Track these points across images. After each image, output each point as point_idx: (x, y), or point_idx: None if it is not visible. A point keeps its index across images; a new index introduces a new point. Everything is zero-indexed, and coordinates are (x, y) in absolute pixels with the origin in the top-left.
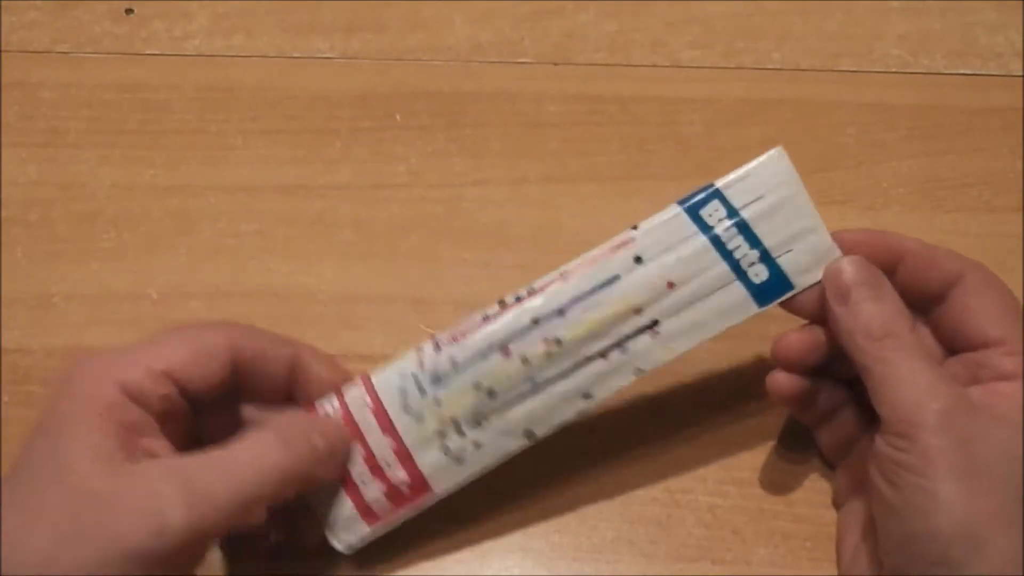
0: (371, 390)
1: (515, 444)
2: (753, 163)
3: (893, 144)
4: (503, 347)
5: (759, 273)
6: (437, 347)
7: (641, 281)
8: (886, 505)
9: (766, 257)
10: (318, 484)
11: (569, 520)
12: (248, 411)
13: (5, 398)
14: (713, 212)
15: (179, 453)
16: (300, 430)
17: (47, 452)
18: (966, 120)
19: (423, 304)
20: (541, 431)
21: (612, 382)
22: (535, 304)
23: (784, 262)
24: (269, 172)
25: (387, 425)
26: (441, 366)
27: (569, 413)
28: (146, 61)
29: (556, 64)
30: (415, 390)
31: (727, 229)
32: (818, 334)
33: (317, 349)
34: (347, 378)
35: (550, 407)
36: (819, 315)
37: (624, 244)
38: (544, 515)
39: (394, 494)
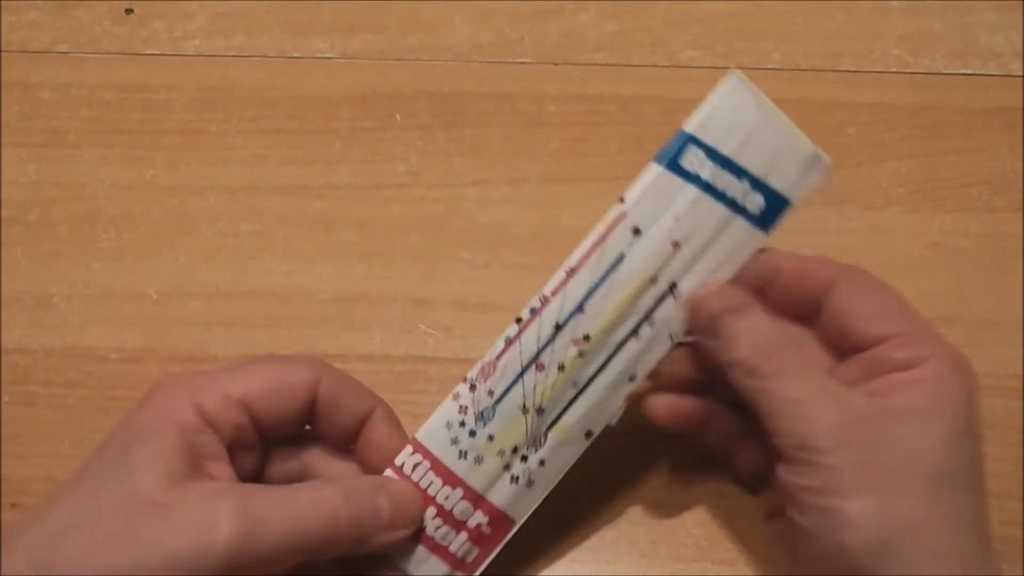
0: (421, 449)
1: (578, 448)
2: (715, 96)
3: (893, 144)
4: (536, 363)
5: (755, 202)
6: (472, 386)
7: (646, 252)
8: (798, 528)
9: (757, 184)
10: (384, 547)
11: (569, 520)
12: (317, 456)
13: (5, 398)
14: (693, 159)
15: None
16: (366, 488)
17: (114, 458)
18: (966, 120)
19: (423, 304)
20: (598, 427)
21: (651, 356)
22: (552, 310)
23: (775, 182)
24: (269, 172)
25: (450, 477)
26: (482, 403)
27: (619, 400)
28: (146, 61)
29: (556, 64)
30: (465, 435)
31: (712, 171)
32: (685, 352)
33: (391, 410)
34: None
35: (600, 402)
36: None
37: (618, 221)
38: (543, 515)
39: (479, 537)
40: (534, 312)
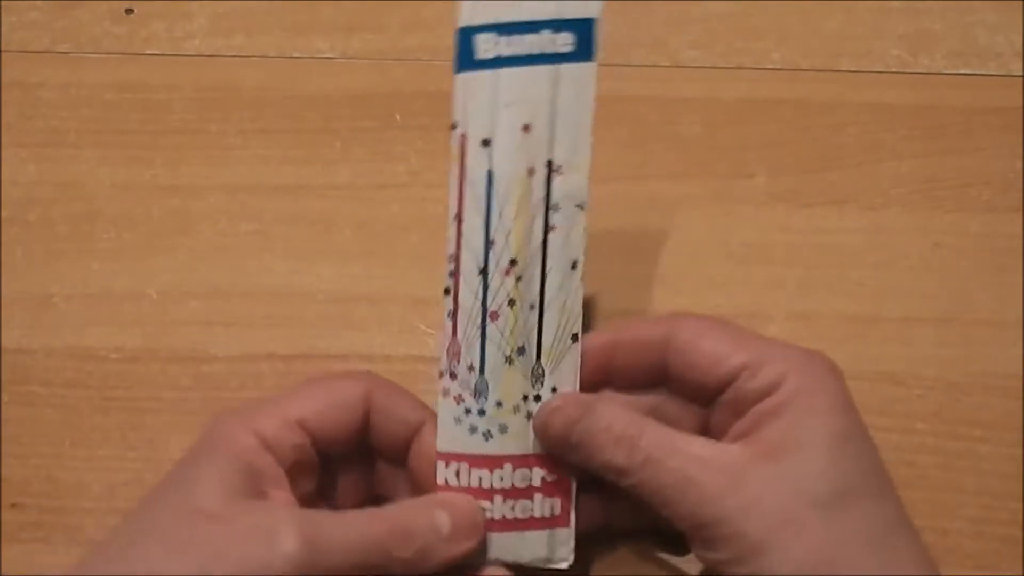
0: (451, 456)
1: (575, 353)
2: None
3: (893, 144)
4: (488, 314)
5: (565, 40)
6: (452, 375)
7: (506, 154)
8: None
9: (555, 25)
10: (455, 562)
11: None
12: (378, 475)
13: (5, 398)
14: (485, 45)
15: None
16: (423, 504)
17: (174, 480)
18: (966, 120)
19: (423, 304)
20: (577, 325)
21: (576, 234)
22: (468, 261)
23: (568, 12)
24: (269, 172)
25: (491, 461)
26: (470, 382)
27: (577, 289)
28: (146, 61)
29: None
30: (477, 418)
31: (508, 42)
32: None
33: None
34: None
35: (562, 303)
36: None
37: (463, 145)
38: None
39: (552, 488)
40: (454, 275)
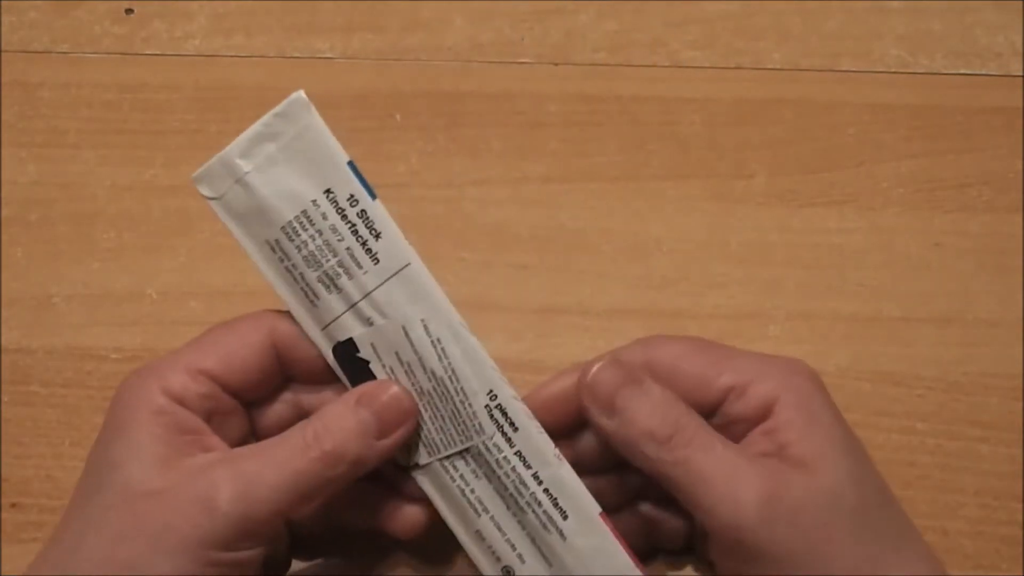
0: None
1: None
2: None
3: (893, 144)
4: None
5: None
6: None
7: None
8: None
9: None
10: (392, 452)
11: None
12: (304, 399)
13: (5, 398)
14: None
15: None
16: (344, 410)
17: (102, 461)
18: (966, 120)
19: None
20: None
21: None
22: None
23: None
24: None
25: None
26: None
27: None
28: (146, 61)
29: (556, 64)
30: None
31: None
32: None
33: None
34: None
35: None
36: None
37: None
38: None
39: None
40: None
